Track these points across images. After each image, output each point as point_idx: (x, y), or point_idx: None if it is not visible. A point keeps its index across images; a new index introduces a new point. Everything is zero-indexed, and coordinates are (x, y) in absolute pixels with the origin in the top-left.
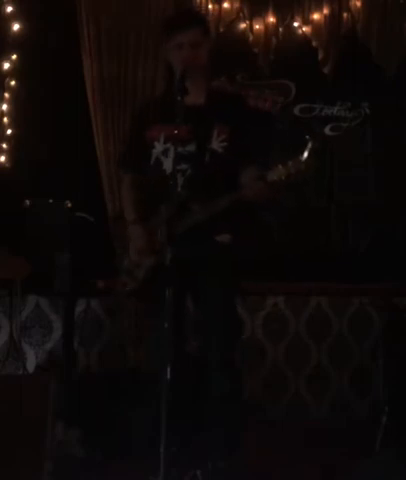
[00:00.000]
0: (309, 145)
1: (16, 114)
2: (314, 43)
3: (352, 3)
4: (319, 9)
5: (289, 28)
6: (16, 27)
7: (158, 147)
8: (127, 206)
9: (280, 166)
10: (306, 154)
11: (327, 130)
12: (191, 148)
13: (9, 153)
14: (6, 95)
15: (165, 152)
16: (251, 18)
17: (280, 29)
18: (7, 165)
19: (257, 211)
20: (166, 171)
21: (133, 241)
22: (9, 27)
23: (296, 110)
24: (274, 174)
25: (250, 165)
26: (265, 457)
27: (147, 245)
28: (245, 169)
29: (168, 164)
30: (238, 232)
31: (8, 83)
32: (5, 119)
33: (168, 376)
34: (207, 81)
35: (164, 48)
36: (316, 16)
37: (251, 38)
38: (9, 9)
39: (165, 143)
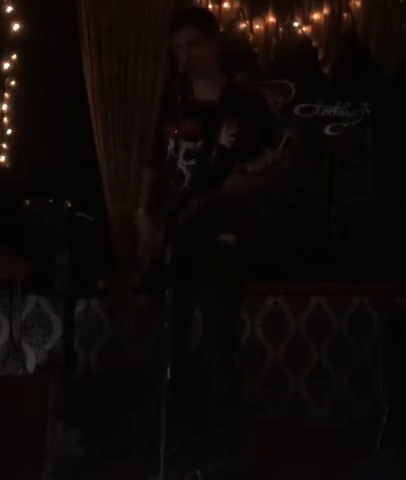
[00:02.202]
0: (285, 135)
1: (16, 114)
2: (314, 43)
3: (352, 3)
4: (319, 9)
5: (289, 28)
6: (16, 27)
7: (171, 143)
8: (143, 203)
9: (258, 157)
10: (282, 144)
11: (327, 130)
12: (199, 144)
13: (9, 153)
14: (6, 95)
15: (177, 149)
16: (251, 18)
17: (280, 29)
18: (7, 165)
19: (256, 212)
20: (177, 167)
21: (140, 236)
22: (9, 27)
23: (296, 110)
24: (253, 165)
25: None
26: (265, 457)
27: (152, 240)
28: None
29: (179, 161)
30: (241, 233)
31: (8, 83)
32: (5, 119)
33: (168, 376)
34: (222, 77)
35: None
36: (316, 16)
37: (251, 38)
38: (9, 9)
39: (177, 140)
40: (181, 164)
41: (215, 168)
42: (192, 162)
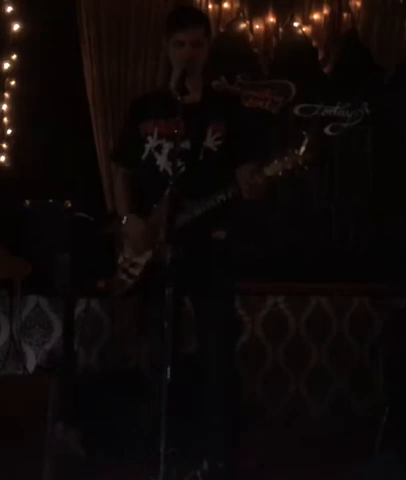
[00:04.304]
0: (306, 140)
1: (16, 114)
2: (314, 43)
3: (352, 3)
4: (319, 9)
5: (289, 28)
6: (16, 27)
7: (151, 142)
8: (121, 202)
9: (276, 161)
10: (303, 149)
11: (327, 130)
12: (185, 145)
13: (9, 153)
14: (6, 95)
15: (159, 148)
16: (251, 18)
17: (280, 29)
18: (7, 165)
19: (254, 209)
20: (159, 167)
21: (128, 239)
22: (9, 27)
23: (296, 110)
24: (271, 169)
25: (246, 162)
26: (265, 457)
27: (143, 242)
28: (240, 166)
29: (162, 160)
30: (233, 228)
31: (8, 83)
32: (5, 119)
33: (168, 376)
34: (204, 80)
35: (164, 43)
36: (316, 16)
37: (251, 38)
38: (9, 9)
39: (159, 138)
40: (165, 164)
41: (202, 171)
42: (178, 163)
